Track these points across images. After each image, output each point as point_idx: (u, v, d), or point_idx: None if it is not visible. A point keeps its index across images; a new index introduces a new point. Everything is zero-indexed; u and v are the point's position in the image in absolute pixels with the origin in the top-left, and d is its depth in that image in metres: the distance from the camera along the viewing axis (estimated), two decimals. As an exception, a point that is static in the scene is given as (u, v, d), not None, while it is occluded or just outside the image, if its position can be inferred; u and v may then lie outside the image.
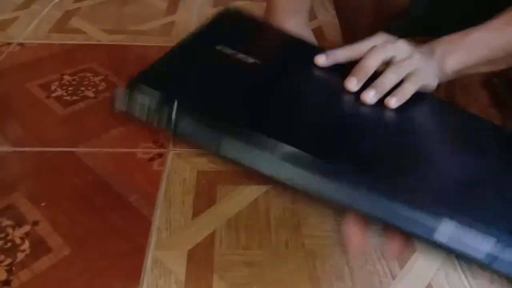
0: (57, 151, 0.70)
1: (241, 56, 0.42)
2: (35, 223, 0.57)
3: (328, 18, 0.78)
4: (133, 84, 0.33)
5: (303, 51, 0.49)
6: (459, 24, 0.80)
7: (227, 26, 0.47)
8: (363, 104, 0.42)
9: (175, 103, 0.32)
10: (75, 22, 1.11)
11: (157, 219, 0.58)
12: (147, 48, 1.01)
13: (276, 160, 0.32)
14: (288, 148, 0.32)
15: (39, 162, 0.67)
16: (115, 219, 0.58)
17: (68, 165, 0.67)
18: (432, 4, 0.71)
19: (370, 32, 0.77)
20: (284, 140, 0.32)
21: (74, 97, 0.82)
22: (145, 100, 0.33)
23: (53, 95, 0.83)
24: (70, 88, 0.85)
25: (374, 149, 0.37)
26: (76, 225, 0.57)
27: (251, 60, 0.42)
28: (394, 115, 0.42)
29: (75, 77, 0.88)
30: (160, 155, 0.70)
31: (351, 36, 0.82)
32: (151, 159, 0.69)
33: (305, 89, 0.43)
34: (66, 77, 0.88)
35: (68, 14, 1.14)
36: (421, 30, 0.80)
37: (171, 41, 1.04)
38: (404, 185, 0.33)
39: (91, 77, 0.88)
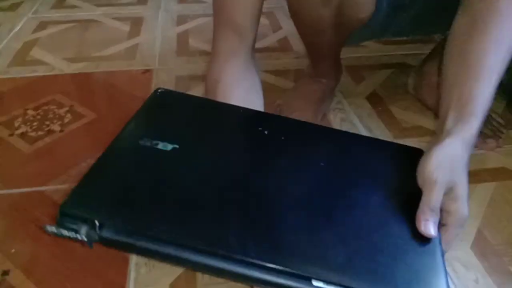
0: (24, 192, 0.67)
1: (161, 145, 0.47)
2: (5, 273, 0.54)
3: (293, 28, 0.77)
4: (58, 220, 0.39)
5: (230, 124, 0.54)
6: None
7: (154, 112, 0.51)
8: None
9: (97, 226, 0.38)
10: (35, 53, 1.08)
11: (135, 255, 0.56)
12: (111, 73, 0.99)
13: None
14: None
15: (5, 206, 0.64)
16: (91, 260, 0.56)
17: (37, 205, 0.64)
18: (393, 13, 0.72)
19: (331, 46, 0.78)
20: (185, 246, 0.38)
21: (40, 133, 0.80)
22: (71, 231, 0.39)
23: (17, 132, 0.80)
24: (34, 123, 0.82)
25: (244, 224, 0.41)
26: (50, 271, 0.55)
27: (170, 147, 0.47)
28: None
29: (39, 111, 0.85)
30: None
31: (313, 50, 0.82)
32: (124, 191, 0.67)
33: (215, 172, 0.46)
34: (30, 112, 0.85)
35: (28, 45, 1.11)
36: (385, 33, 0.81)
37: (136, 65, 1.03)
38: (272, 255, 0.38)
39: (55, 110, 0.86)
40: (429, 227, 0.43)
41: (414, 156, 0.49)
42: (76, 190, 0.42)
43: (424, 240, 0.43)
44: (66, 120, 0.83)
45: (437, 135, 0.52)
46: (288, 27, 1.20)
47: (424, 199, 0.45)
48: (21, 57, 1.06)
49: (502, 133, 0.79)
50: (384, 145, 0.56)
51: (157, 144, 0.47)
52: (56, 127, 0.81)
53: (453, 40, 0.56)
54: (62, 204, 0.40)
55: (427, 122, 0.84)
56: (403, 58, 1.07)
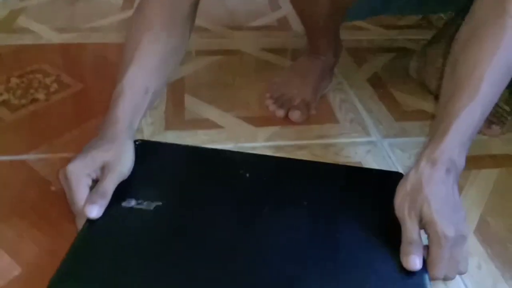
0: (5, 160, 0.63)
1: (145, 204, 0.48)
2: (-21, 243, 0.50)
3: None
4: None
5: (210, 171, 0.55)
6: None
7: (135, 168, 0.50)
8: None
9: None
10: (22, 21, 1.03)
11: None
12: (102, 45, 0.95)
13: None
14: None
15: (-17, 174, 0.60)
16: (72, 232, 0.52)
17: (18, 175, 0.60)
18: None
19: (327, 21, 0.74)
20: None
21: (23, 101, 0.75)
22: None
23: (-1, 99, 0.75)
24: (18, 91, 0.77)
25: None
26: (27, 242, 0.51)
27: (153, 205, 0.48)
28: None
29: (23, 79, 0.81)
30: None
31: (309, 22, 0.79)
32: (111, 163, 0.63)
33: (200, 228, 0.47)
34: (14, 80, 0.80)
35: (14, 13, 1.06)
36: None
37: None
38: None
39: (41, 79, 0.81)
40: (411, 262, 0.43)
41: (395, 181, 0.49)
42: (63, 263, 0.41)
43: (410, 272, 0.43)
44: (52, 89, 0.79)
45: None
46: (287, 7, 1.16)
47: (402, 233, 0.45)
48: (7, 25, 1.00)
49: (507, 119, 0.76)
50: (364, 173, 0.59)
51: (140, 203, 0.48)
52: (41, 96, 0.77)
53: (451, 50, 0.52)
54: (51, 281, 0.40)
55: (428, 106, 0.82)
56: (405, 43, 1.04)
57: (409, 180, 0.46)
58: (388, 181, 0.52)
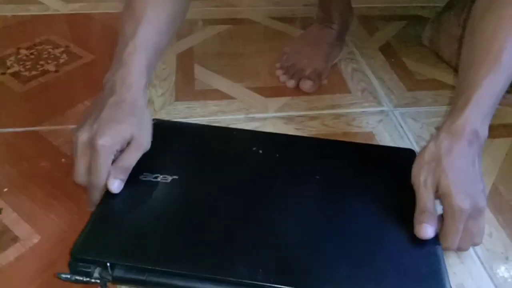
0: (18, 132, 0.63)
1: (161, 178, 0.49)
2: (-2, 211, 0.51)
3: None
4: (71, 265, 0.41)
5: (225, 148, 0.55)
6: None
7: (151, 145, 0.50)
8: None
9: (109, 267, 0.40)
10: (28, -9, 1.01)
11: None
12: (110, 15, 0.93)
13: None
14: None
15: (-1, 145, 0.61)
16: (87, 202, 0.53)
17: (31, 146, 0.61)
18: None
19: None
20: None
21: (33, 72, 0.75)
22: (83, 275, 0.41)
23: (9, 71, 0.75)
24: (28, 63, 0.77)
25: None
26: (44, 211, 0.52)
27: (170, 178, 0.49)
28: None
29: (32, 50, 0.80)
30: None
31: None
32: (123, 133, 0.63)
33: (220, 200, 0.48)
34: (23, 51, 0.80)
35: (20, -17, 1.04)
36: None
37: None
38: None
39: (50, 50, 0.81)
40: (423, 230, 0.44)
41: (407, 157, 0.50)
42: (84, 233, 0.43)
43: (423, 242, 0.44)
44: (61, 61, 0.78)
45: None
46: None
47: (417, 202, 0.45)
48: (13, -5, 0.99)
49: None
50: (376, 149, 0.59)
51: (157, 177, 0.49)
52: (51, 67, 0.77)
53: (470, 17, 0.51)
54: (72, 249, 0.41)
55: (441, 75, 0.80)
56: (418, 11, 1.02)
57: (428, 151, 0.46)
58: (400, 157, 0.53)
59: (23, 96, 0.70)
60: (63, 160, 0.59)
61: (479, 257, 0.50)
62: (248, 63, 0.81)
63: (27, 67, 0.76)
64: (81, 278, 0.40)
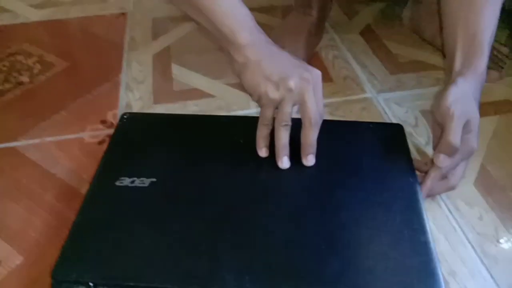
0: (-6, 149, 0.62)
1: (138, 182, 0.46)
2: (-23, 234, 0.50)
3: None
4: (52, 286, 0.40)
5: (202, 139, 0.52)
6: None
7: (125, 144, 0.50)
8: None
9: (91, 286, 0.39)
10: (-3, 0, 0.98)
11: None
12: (82, 19, 0.91)
13: None
14: None
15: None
16: (70, 216, 0.52)
17: (9, 162, 0.59)
18: None
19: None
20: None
21: (7, 85, 0.73)
22: None
23: (-18, 85, 0.73)
24: (1, 76, 0.75)
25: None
26: (26, 229, 0.51)
27: (148, 181, 0.46)
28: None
29: (4, 62, 0.78)
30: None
31: None
32: (101, 142, 0.62)
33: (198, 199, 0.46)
34: (-5, 64, 0.78)
35: (-12, -8, 1.01)
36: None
37: (109, 8, 0.95)
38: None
39: (23, 60, 0.79)
40: (442, 160, 0.47)
41: (395, 132, 0.51)
42: (64, 251, 0.41)
43: (414, 231, 0.43)
44: (35, 71, 0.76)
45: (448, 74, 0.52)
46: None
47: (445, 133, 0.46)
48: (-19, 6, 0.96)
49: (505, 63, 0.74)
50: (364, 126, 0.55)
51: (133, 181, 0.47)
52: (25, 78, 0.75)
53: None
54: (53, 270, 0.40)
55: (424, 55, 0.79)
56: (397, -10, 1.00)
57: (461, 89, 0.48)
58: (389, 132, 0.52)
59: (-2, 111, 0.68)
60: (35, 172, 0.57)
61: (470, 242, 0.50)
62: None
63: (0, 80, 0.74)
64: None
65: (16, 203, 0.54)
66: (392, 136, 0.52)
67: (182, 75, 0.75)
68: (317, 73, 0.47)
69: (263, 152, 0.49)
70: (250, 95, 0.48)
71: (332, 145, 0.51)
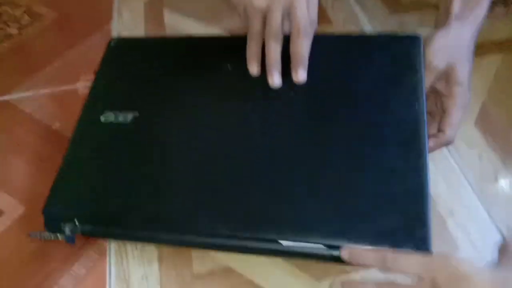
0: (-13, 103, 0.61)
1: (121, 117, 0.45)
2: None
3: None
4: (46, 224, 0.41)
5: (190, 66, 0.49)
6: None
7: (112, 73, 0.48)
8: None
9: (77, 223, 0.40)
10: None
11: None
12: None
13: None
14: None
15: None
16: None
17: (3, 115, 0.59)
18: None
19: None
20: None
21: (-5, 38, 0.71)
22: (55, 232, 0.41)
23: (-31, 38, 0.71)
24: (-12, 28, 0.73)
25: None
26: (27, 181, 0.51)
27: (130, 117, 0.45)
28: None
29: (-9, 13, 0.76)
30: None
31: None
32: (96, 93, 0.61)
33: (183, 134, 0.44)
34: (-19, 16, 0.75)
35: None
36: None
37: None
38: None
39: (9, 11, 0.76)
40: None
41: (407, 47, 0.45)
42: (53, 190, 0.42)
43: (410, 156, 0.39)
44: (23, 22, 0.74)
45: (441, 16, 0.47)
46: None
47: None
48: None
49: (512, -2, 0.70)
50: (371, 40, 0.49)
51: (118, 116, 0.45)
52: (13, 30, 0.72)
53: None
54: (44, 208, 0.41)
55: (427, -5, 0.76)
56: None
57: (451, 36, 0.45)
58: (401, 46, 0.46)
59: (-12, 65, 0.67)
60: (32, 125, 0.57)
61: (469, 182, 0.50)
62: (223, 3, 0.76)
63: (-12, 33, 0.72)
64: (52, 236, 0.41)
65: (13, 156, 0.54)
66: (404, 51, 0.45)
67: (175, 22, 0.72)
68: None
69: (254, 70, 0.44)
70: (235, 8, 0.44)
71: (331, 63, 0.45)
